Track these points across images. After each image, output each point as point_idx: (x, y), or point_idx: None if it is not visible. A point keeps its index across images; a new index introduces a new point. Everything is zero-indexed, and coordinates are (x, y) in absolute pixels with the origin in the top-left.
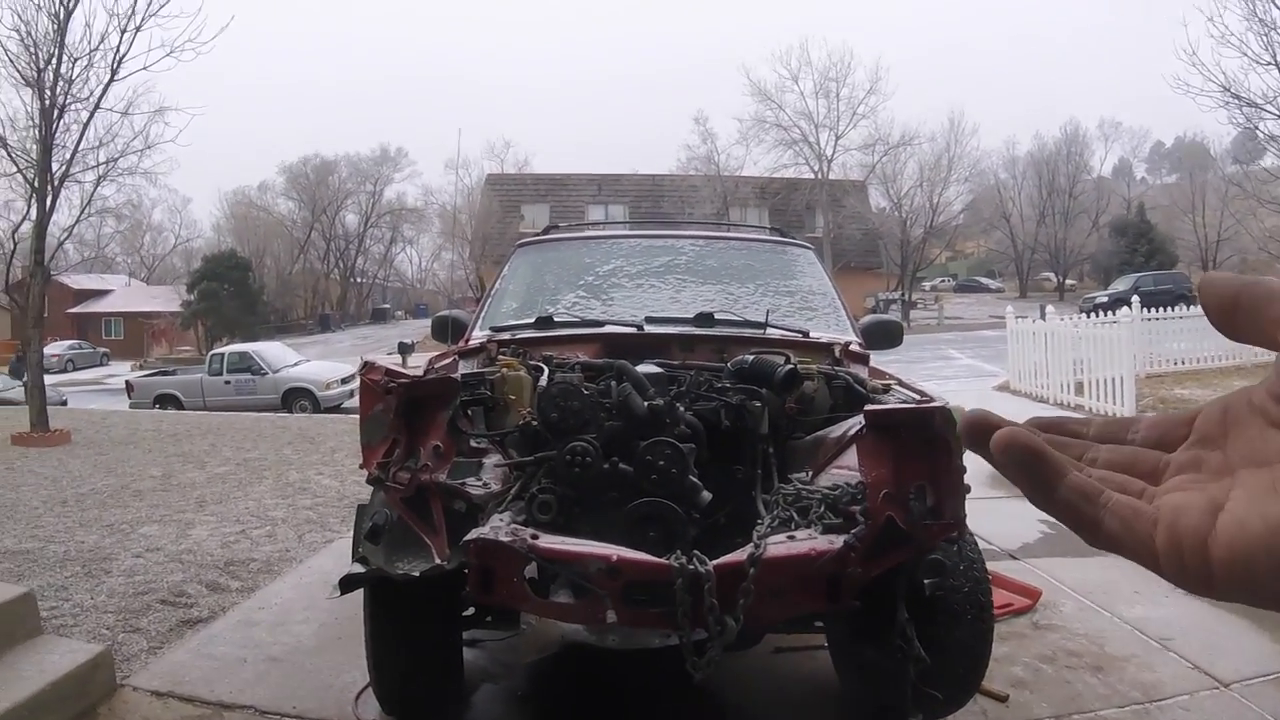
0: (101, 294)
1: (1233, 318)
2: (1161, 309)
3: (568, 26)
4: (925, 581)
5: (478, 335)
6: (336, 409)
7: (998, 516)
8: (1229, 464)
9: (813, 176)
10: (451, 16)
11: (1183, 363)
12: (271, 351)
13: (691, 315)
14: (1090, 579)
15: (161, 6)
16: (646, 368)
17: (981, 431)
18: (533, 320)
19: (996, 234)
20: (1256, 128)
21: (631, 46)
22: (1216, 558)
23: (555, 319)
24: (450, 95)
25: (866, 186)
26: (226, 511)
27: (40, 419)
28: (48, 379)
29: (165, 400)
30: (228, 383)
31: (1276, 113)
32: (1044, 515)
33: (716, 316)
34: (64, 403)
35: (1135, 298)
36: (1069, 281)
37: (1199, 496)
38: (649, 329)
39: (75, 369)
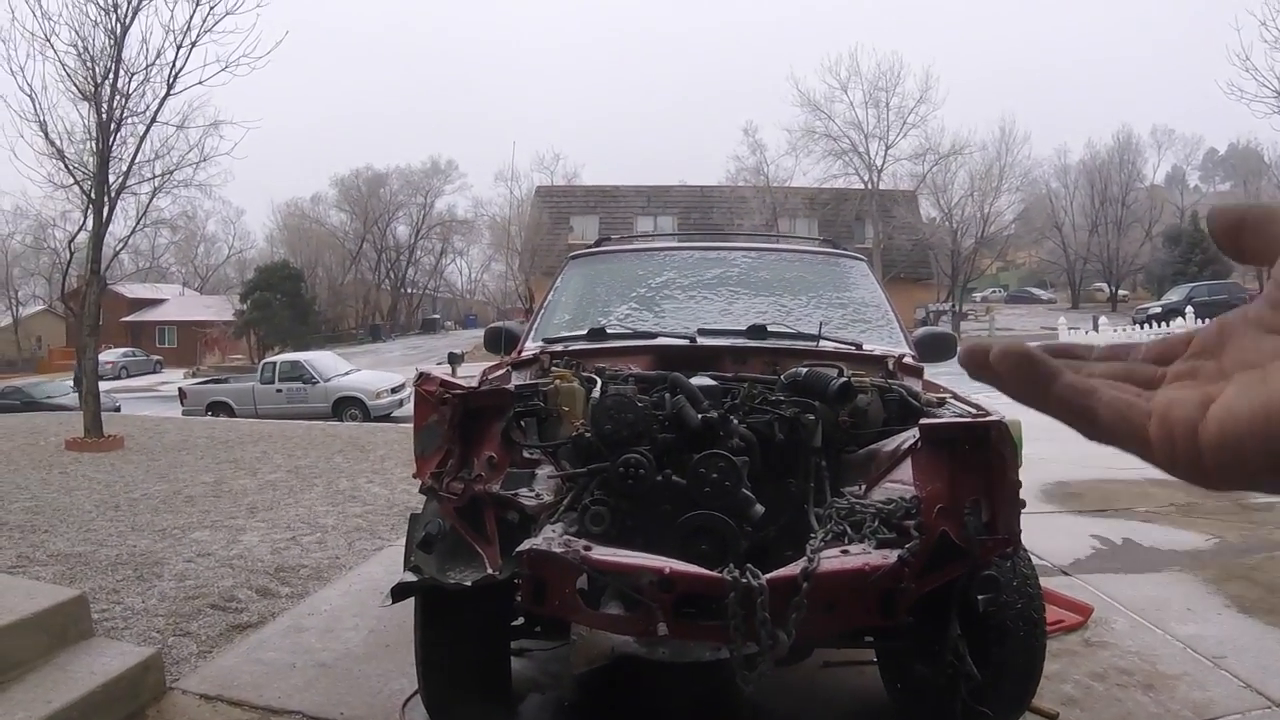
0: (156, 303)
1: (1239, 239)
2: None
3: (617, 39)
4: (979, 598)
5: (530, 347)
6: (386, 418)
7: (1050, 531)
8: (1223, 370)
9: (862, 187)
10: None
11: None
12: (323, 360)
13: (744, 327)
14: (1142, 595)
15: (217, 22)
16: (700, 380)
17: (979, 356)
18: (585, 332)
19: (1048, 244)
20: None
21: (680, 59)
22: (1206, 443)
23: (608, 331)
24: (500, 109)
25: (917, 196)
26: (277, 518)
27: (94, 425)
28: (102, 386)
29: (217, 408)
30: (279, 391)
31: None
32: (1096, 530)
33: (769, 328)
34: (118, 409)
35: (1189, 308)
36: (1122, 292)
37: (1192, 392)
38: (702, 341)
39: (129, 376)
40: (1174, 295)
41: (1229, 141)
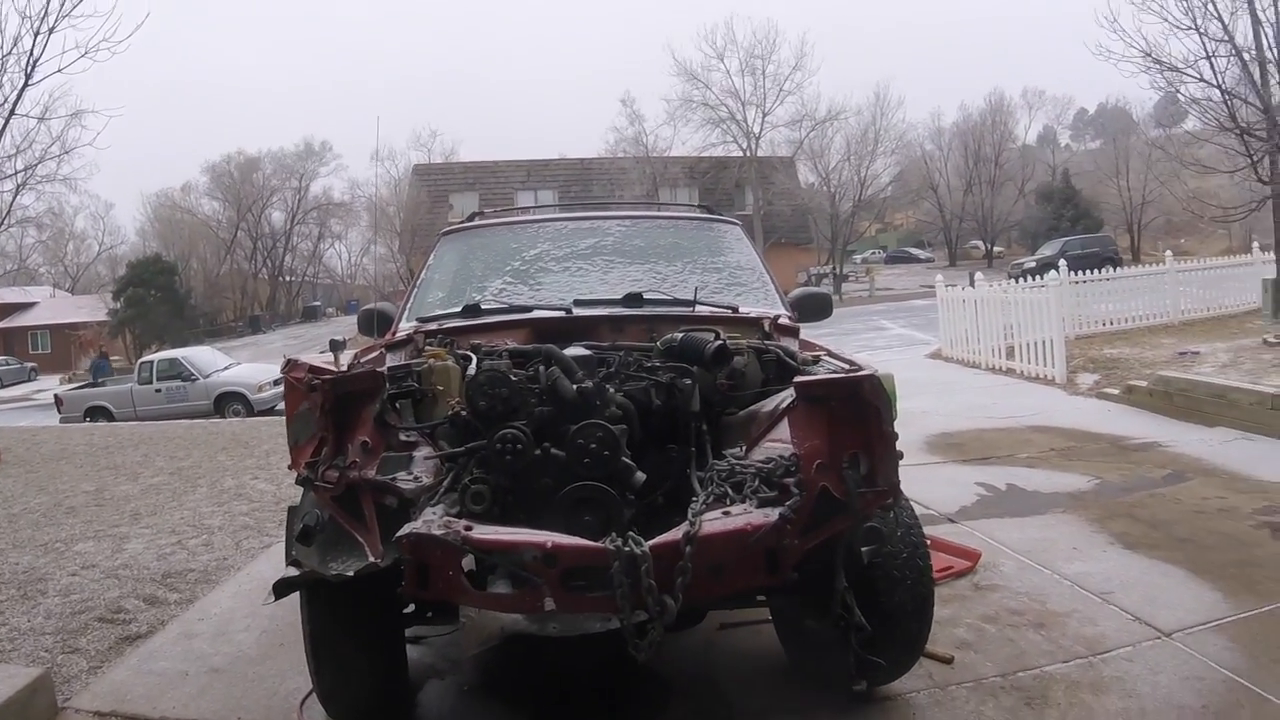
0: (26, 307)
1: None
2: (1089, 271)
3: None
4: (863, 550)
5: (404, 327)
6: (270, 411)
7: (933, 482)
8: None
9: (741, 154)
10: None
11: (1111, 323)
12: (201, 356)
13: (620, 296)
14: (1028, 538)
15: (75, 6)
16: (575, 350)
17: None
18: (459, 309)
19: (925, 205)
20: (1178, 91)
21: (558, 29)
22: None
23: (482, 306)
24: (373, 87)
25: (795, 162)
26: (162, 523)
27: None
28: None
29: (96, 413)
30: (158, 391)
31: (1197, 76)
32: (980, 478)
33: (645, 296)
34: None
35: (1062, 262)
36: (997, 249)
37: None
38: (577, 312)
39: (2, 386)
40: (1047, 250)
41: (1098, 101)
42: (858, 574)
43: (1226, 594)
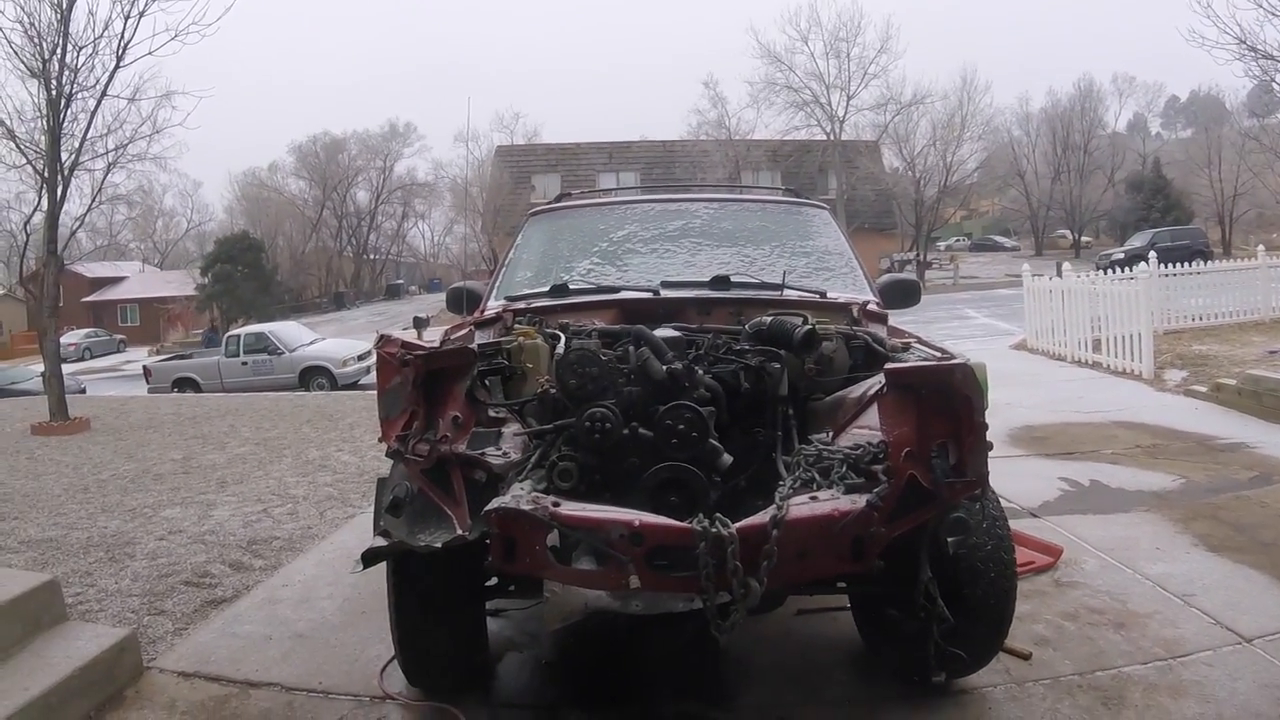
0: (116, 281)
1: None
2: (1178, 264)
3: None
4: (948, 540)
5: (493, 305)
6: (354, 386)
7: (1019, 475)
8: None
9: (825, 138)
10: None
11: (1201, 319)
12: (287, 331)
13: (707, 278)
14: (1111, 536)
15: None
16: (664, 332)
17: None
18: (548, 289)
19: (1011, 192)
20: (1273, 80)
21: (640, 13)
22: None
23: (570, 286)
24: (458, 69)
25: (879, 147)
26: (247, 491)
27: (59, 408)
28: (66, 368)
29: (183, 384)
30: (245, 364)
31: None
32: (1064, 473)
33: (733, 279)
34: (83, 391)
35: (1152, 253)
36: (1085, 238)
37: None
38: (665, 293)
39: (93, 357)
40: (1137, 241)
41: (1190, 89)
42: (942, 564)
43: None
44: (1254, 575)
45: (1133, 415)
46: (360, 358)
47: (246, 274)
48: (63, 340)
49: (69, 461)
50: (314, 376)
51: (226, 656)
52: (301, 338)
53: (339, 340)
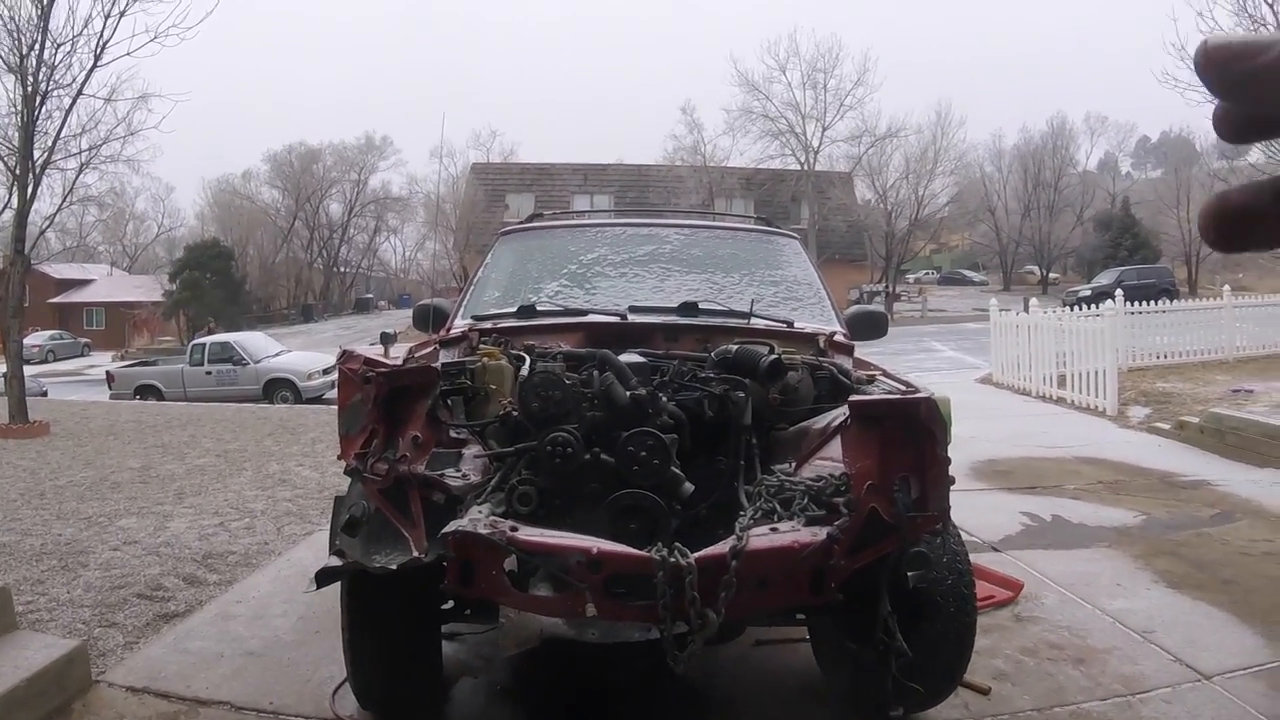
0: (83, 284)
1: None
2: (1145, 303)
3: (556, 15)
4: (909, 574)
5: (459, 324)
6: (318, 399)
7: (981, 508)
8: None
9: (799, 168)
10: (437, 10)
11: (1165, 357)
12: (253, 342)
13: (675, 304)
14: (1072, 571)
15: None
16: (629, 357)
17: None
18: (515, 309)
19: (981, 227)
20: None
21: (620, 36)
22: None
23: (538, 308)
24: (437, 86)
25: (852, 178)
26: (205, 504)
27: (19, 410)
28: (28, 370)
29: (146, 391)
30: (209, 373)
31: None
32: (1026, 508)
33: (701, 306)
34: (44, 394)
35: (1119, 291)
36: (1053, 275)
37: None
38: (632, 318)
39: (56, 359)
40: (1104, 278)
41: (1161, 130)
42: (902, 599)
43: (1269, 639)
44: (1214, 612)
45: (1096, 451)
46: (326, 371)
47: (215, 281)
48: (27, 342)
49: (26, 465)
50: (278, 389)
51: (176, 672)
52: (267, 349)
53: (305, 353)
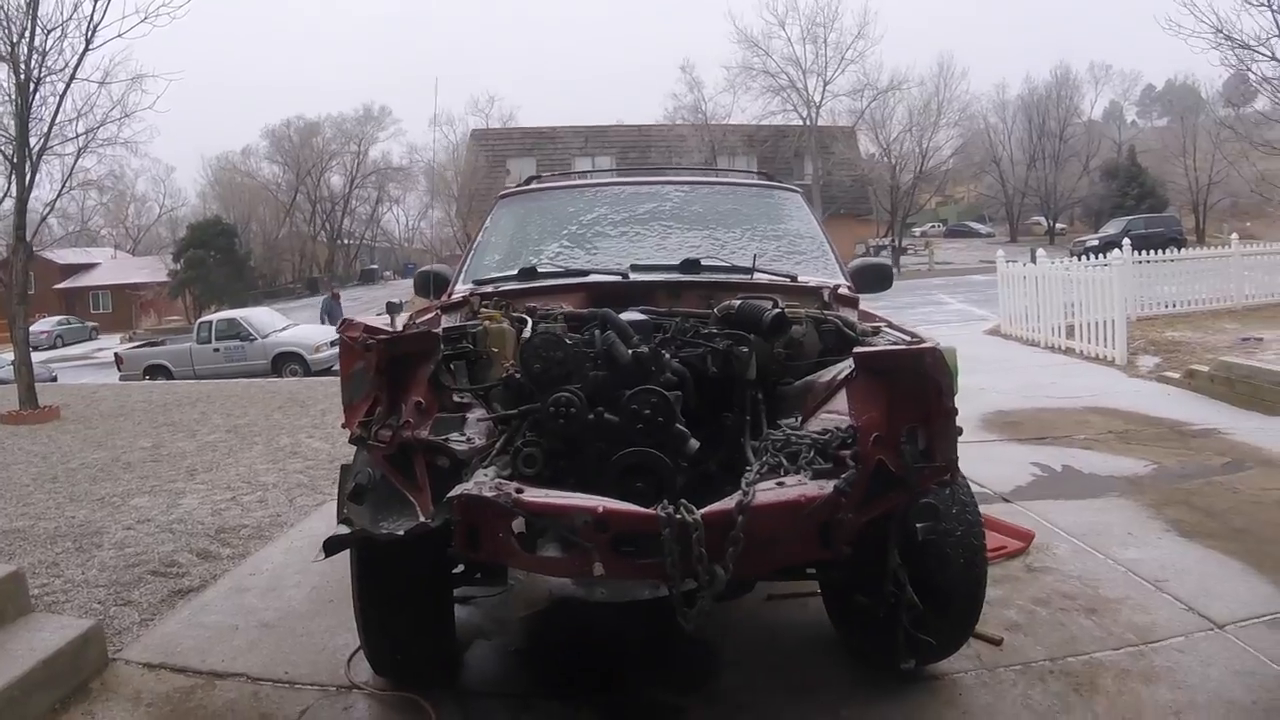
0: (88, 268)
1: None
2: (1153, 252)
3: None
4: (918, 526)
5: (460, 289)
6: (327, 371)
7: (990, 460)
8: None
9: (801, 123)
10: None
11: (1174, 306)
12: (260, 317)
13: (677, 262)
14: (1083, 521)
15: None
16: (631, 315)
17: None
18: (516, 272)
19: (987, 178)
20: (1249, 70)
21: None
22: None
23: (539, 270)
24: (434, 51)
25: (855, 133)
26: (217, 479)
27: (29, 396)
28: (37, 356)
29: (155, 371)
30: (217, 350)
31: (1269, 55)
32: (1036, 458)
33: (703, 262)
34: (53, 379)
35: (1126, 241)
36: (1060, 225)
37: None
38: (634, 277)
39: (64, 344)
40: (1111, 228)
41: (1166, 78)
42: (911, 551)
43: None
44: (1226, 561)
45: (1106, 401)
46: (333, 343)
47: (219, 259)
48: (35, 328)
49: (38, 451)
50: (286, 362)
51: (193, 647)
52: (274, 323)
53: (312, 326)
